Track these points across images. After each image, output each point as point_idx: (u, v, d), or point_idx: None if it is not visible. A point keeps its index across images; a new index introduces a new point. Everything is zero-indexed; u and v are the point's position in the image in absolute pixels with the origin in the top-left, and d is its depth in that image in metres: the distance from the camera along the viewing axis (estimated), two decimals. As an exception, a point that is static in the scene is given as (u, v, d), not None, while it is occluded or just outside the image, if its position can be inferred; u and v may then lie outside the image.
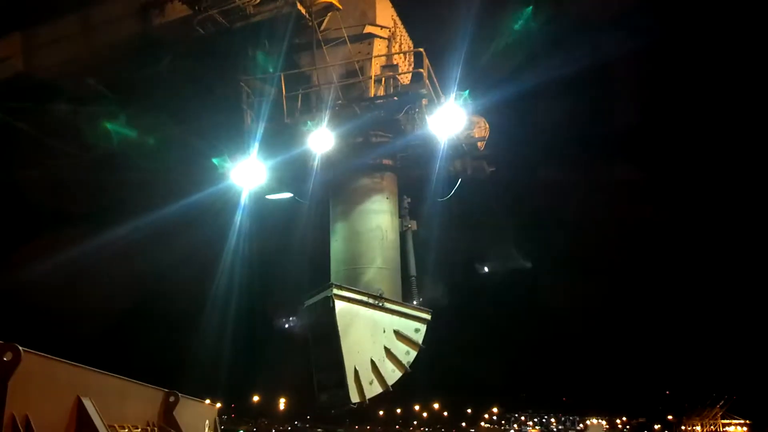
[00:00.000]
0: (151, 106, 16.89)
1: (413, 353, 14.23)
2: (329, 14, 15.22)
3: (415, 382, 14.06)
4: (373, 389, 13.78)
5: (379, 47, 15.41)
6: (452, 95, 14.29)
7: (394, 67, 15.40)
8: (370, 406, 14.06)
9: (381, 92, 15.03)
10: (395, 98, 14.65)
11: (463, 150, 15.88)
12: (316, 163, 15.04)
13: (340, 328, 13.64)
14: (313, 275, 16.17)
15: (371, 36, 15.40)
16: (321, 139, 14.60)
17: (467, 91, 14.15)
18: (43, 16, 16.49)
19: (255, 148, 15.11)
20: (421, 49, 14.75)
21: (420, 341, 14.32)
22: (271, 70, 15.33)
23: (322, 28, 15.33)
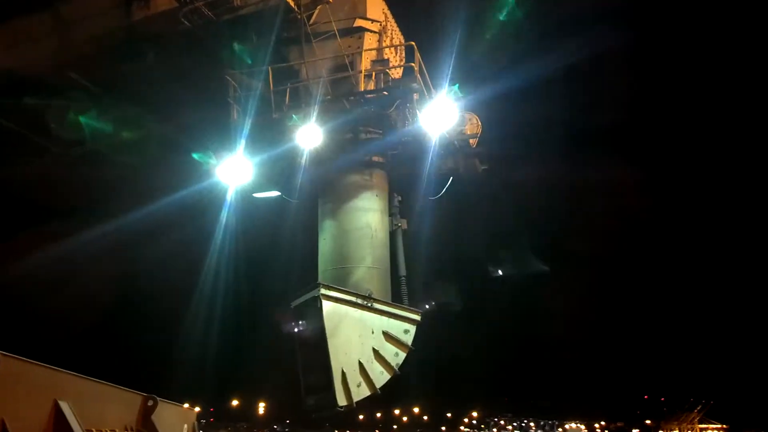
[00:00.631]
0: (135, 101, 16.47)
1: (402, 355, 13.91)
2: (319, 7, 14.86)
3: (397, 386, 13.69)
4: (361, 392, 13.46)
5: (369, 41, 15.08)
6: (444, 89, 13.94)
7: (384, 62, 15.05)
8: (351, 409, 13.71)
9: (371, 87, 14.69)
10: (386, 92, 14.27)
11: (454, 147, 15.57)
12: (304, 159, 14.69)
13: (327, 329, 13.31)
14: (301, 275, 15.84)
15: (361, 30, 15.06)
16: (309, 135, 14.25)
17: (456, 85, 13.81)
18: (24, 8, 16.02)
19: (241, 144, 14.71)
20: (412, 43, 14.43)
21: (409, 342, 14.02)
22: (258, 65, 14.92)
23: (311, 21, 14.97)
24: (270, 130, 14.80)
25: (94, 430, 7.13)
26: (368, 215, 14.91)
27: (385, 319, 13.98)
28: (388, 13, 15.82)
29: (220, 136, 15.06)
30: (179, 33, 15.04)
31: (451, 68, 14.05)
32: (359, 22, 15.04)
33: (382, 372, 13.66)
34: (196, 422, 11.29)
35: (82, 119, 16.47)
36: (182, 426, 10.37)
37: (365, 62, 14.87)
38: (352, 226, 14.80)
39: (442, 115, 14.05)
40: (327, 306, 13.45)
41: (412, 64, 14.08)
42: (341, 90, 14.69)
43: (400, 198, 15.88)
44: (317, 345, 13.48)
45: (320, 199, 15.44)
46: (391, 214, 15.53)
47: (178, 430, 10.15)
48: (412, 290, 15.07)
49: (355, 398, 13.30)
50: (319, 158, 14.84)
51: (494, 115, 16.23)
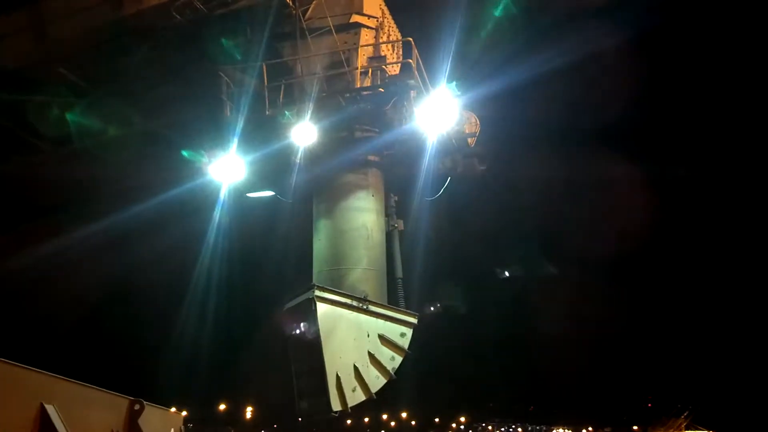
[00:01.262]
0: (126, 98, 16.07)
1: (399, 359, 13.55)
2: (314, 2, 14.57)
3: (385, 390, 13.34)
4: (356, 397, 13.10)
5: (366, 37, 14.75)
6: (442, 86, 13.59)
7: (381, 59, 14.72)
8: (345, 414, 13.36)
9: (367, 84, 14.35)
10: (381, 89, 13.93)
11: (452, 146, 15.23)
12: (298, 158, 14.35)
13: (321, 332, 12.94)
14: (295, 276, 15.46)
15: (358, 26, 14.73)
16: (304, 133, 13.92)
17: (454, 82, 13.45)
18: (10, 1, 15.65)
19: (234, 141, 14.37)
20: (410, 39, 14.09)
21: (406, 346, 13.67)
22: (252, 61, 14.59)
23: (307, 16, 14.67)
24: (263, 128, 14.45)
25: (80, 433, 7.32)
26: (364, 215, 14.56)
27: (381, 322, 13.62)
28: (386, 9, 15.51)
29: (213, 133, 14.71)
30: (171, 28, 14.74)
31: (449, 65, 13.69)
32: (355, 18, 14.72)
33: (378, 376, 13.30)
34: (183, 426, 11.09)
35: (70, 116, 16.10)
36: (169, 430, 10.17)
37: (361, 59, 14.54)
38: (348, 226, 14.45)
39: (440, 113, 13.71)
40: (322, 308, 13.09)
41: (410, 61, 13.75)
42: (337, 87, 14.37)
43: (396, 198, 15.57)
44: (311, 348, 13.12)
45: (315, 199, 15.09)
46: (387, 215, 15.22)
47: (165, 435, 9.97)
48: (408, 293, 14.74)
49: (350, 403, 12.95)
50: (313, 157, 14.51)
51: (493, 114, 15.92)
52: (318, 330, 12.91)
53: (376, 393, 13.28)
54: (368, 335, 13.42)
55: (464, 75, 14.36)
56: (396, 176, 15.44)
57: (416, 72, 13.75)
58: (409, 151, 14.86)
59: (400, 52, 15.52)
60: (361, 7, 14.74)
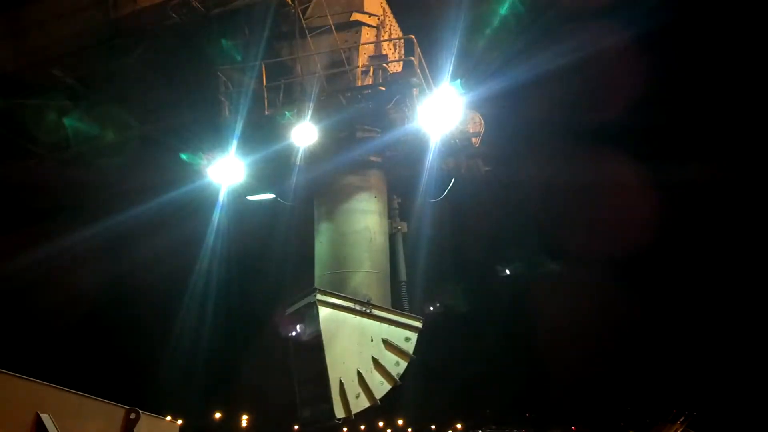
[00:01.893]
0: (122, 100, 15.82)
1: (403, 364, 13.23)
2: (314, 0, 14.26)
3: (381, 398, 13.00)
4: (360, 403, 12.76)
5: (366, 36, 14.46)
6: (445, 84, 13.28)
7: (382, 57, 14.42)
8: (349, 421, 13.01)
9: (369, 83, 14.05)
10: (382, 88, 13.64)
11: (456, 146, 14.93)
12: (298, 159, 14.04)
13: (324, 337, 12.61)
14: (296, 280, 15.14)
15: (358, 24, 14.44)
16: (304, 134, 13.62)
17: (459, 80, 13.14)
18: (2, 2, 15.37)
19: (233, 143, 14.08)
20: (412, 36, 13.80)
21: (411, 351, 13.34)
22: (250, 60, 14.30)
23: (306, 15, 14.38)
24: (263, 129, 14.15)
25: (76, 443, 6.98)
26: (366, 218, 14.25)
27: (384, 326, 13.29)
28: (387, 7, 15.22)
29: (211, 135, 14.42)
30: (167, 28, 14.47)
31: (452, 63, 13.39)
32: (356, 16, 14.42)
33: (382, 382, 12.98)
34: (178, 435, 10.91)
35: (65, 119, 15.82)
36: (165, 440, 10.00)
37: (362, 57, 14.25)
38: (350, 228, 14.14)
39: (443, 111, 13.40)
40: (324, 312, 12.77)
41: (412, 58, 13.45)
42: (337, 86, 14.06)
43: (399, 200, 15.28)
44: (313, 354, 12.77)
45: (316, 201, 14.79)
46: (390, 217, 14.91)
47: (161, 444, 9.78)
48: (412, 296, 14.41)
49: (354, 410, 12.61)
50: (314, 158, 14.20)
51: (497, 113, 15.61)
52: (320, 335, 12.59)
53: (380, 399, 12.93)
54: (372, 340, 13.11)
55: (467, 74, 14.12)
56: (398, 177, 15.14)
57: (418, 70, 13.45)
58: (411, 152, 14.57)
59: (402, 52, 15.22)
60: (362, 5, 14.45)
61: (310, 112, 13.57)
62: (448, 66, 13.55)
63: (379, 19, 14.76)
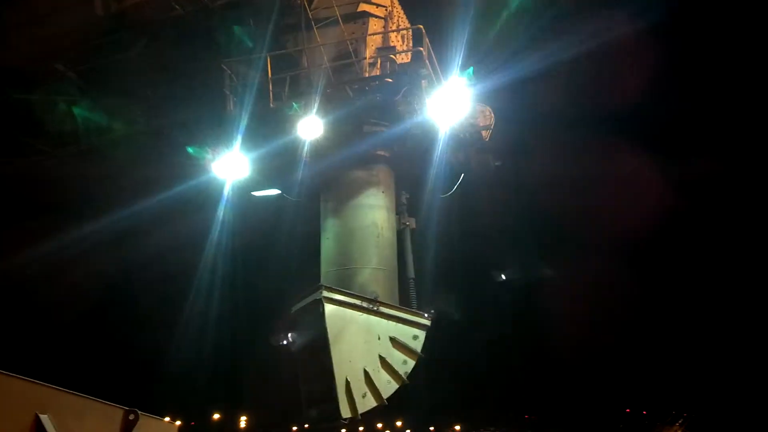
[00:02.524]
0: (125, 94, 15.55)
1: (411, 363, 12.90)
2: (320, -10, 13.97)
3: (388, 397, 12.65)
4: (367, 403, 12.43)
5: (374, 27, 14.16)
6: (455, 74, 12.93)
7: (390, 49, 14.11)
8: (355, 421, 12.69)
9: (376, 74, 13.73)
10: (390, 80, 13.33)
11: (465, 140, 14.57)
12: (304, 153, 13.74)
13: (330, 335, 12.29)
14: (302, 278, 14.82)
15: (366, 15, 14.16)
16: (310, 127, 13.33)
17: (471, 69, 12.77)
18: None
19: (238, 137, 13.79)
20: (421, 26, 13.47)
21: (419, 349, 13.00)
22: (256, 53, 14.01)
23: (312, 6, 14.13)
24: (268, 123, 13.87)
25: (75, 444, 7.19)
26: (374, 213, 13.94)
27: (392, 324, 12.97)
28: (395, -3, 14.90)
29: (216, 129, 14.14)
30: (171, 20, 14.22)
31: (462, 55, 13.04)
32: (363, 7, 14.14)
33: (390, 381, 12.65)
34: (177, 436, 10.68)
35: (68, 114, 15.57)
36: (163, 440, 9.81)
37: (370, 49, 13.94)
38: (357, 224, 13.84)
39: (452, 103, 13.07)
40: (330, 310, 12.45)
41: (421, 49, 13.12)
42: (344, 79, 13.76)
43: (407, 196, 14.95)
44: (319, 352, 12.47)
45: (322, 197, 14.49)
46: (398, 213, 14.61)
47: (159, 445, 9.70)
48: (421, 293, 14.08)
49: (361, 409, 12.30)
50: (320, 152, 13.93)
51: (508, 106, 15.24)
52: (326, 333, 12.28)
53: (387, 399, 12.60)
54: (379, 338, 12.80)
55: (477, 65, 13.71)
56: (407, 172, 14.84)
57: (427, 60, 13.12)
58: (420, 146, 14.26)
59: (411, 43, 14.89)
60: (369, -4, 14.16)
61: (316, 105, 13.28)
62: (457, 58, 13.20)
63: (386, 10, 14.48)
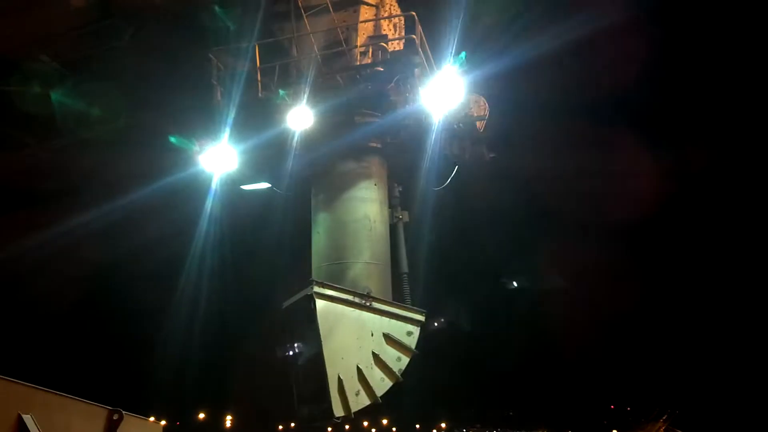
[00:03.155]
0: (111, 84, 15.16)
1: (405, 359, 12.57)
2: (310, -23, 13.58)
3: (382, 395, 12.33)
4: (360, 401, 12.13)
5: (365, 15, 13.83)
6: (448, 62, 12.57)
7: (382, 37, 13.76)
8: (349, 419, 12.36)
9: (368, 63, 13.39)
10: (381, 68, 13.00)
11: (460, 131, 14.26)
12: (294, 145, 13.39)
13: (321, 332, 12.01)
14: (292, 273, 14.50)
15: (357, 2, 13.82)
16: (300, 118, 12.98)
17: (463, 53, 12.39)
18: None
19: (226, 129, 13.43)
20: (413, 13, 13.12)
21: (413, 346, 12.69)
22: (244, 42, 13.63)
23: (303, -7, 13.69)
24: (257, 114, 13.52)
25: (58, 444, 7.09)
26: (366, 206, 13.62)
27: (385, 320, 12.67)
28: (387, -14, 14.53)
29: (203, 120, 13.77)
30: (158, 8, 13.85)
31: (455, 42, 12.66)
32: (354, -6, 13.77)
33: (383, 378, 12.34)
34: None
35: (52, 106, 15.16)
36: (148, 440, 9.77)
37: (361, 37, 13.60)
38: (349, 217, 13.52)
39: (446, 92, 12.72)
40: (321, 305, 12.16)
41: (413, 36, 12.78)
42: (335, 68, 13.42)
43: (400, 188, 14.63)
44: (311, 349, 12.28)
45: (313, 189, 14.17)
46: (391, 206, 14.28)
47: (144, 445, 9.86)
48: (414, 289, 13.75)
49: (354, 408, 11.99)
50: (310, 144, 13.58)
51: (502, 97, 14.91)
52: (317, 329, 12.00)
53: (381, 397, 12.28)
54: (372, 334, 12.50)
55: (470, 55, 13.35)
56: (400, 164, 14.53)
57: (420, 49, 12.78)
58: (413, 137, 13.95)
59: (403, 32, 14.52)
60: (360, -17, 13.80)
61: (306, 94, 12.93)
62: (451, 46, 12.83)
63: (378, -3, 14.12)
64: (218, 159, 13.70)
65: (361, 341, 12.37)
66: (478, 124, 14.44)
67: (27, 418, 6.53)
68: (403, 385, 12.52)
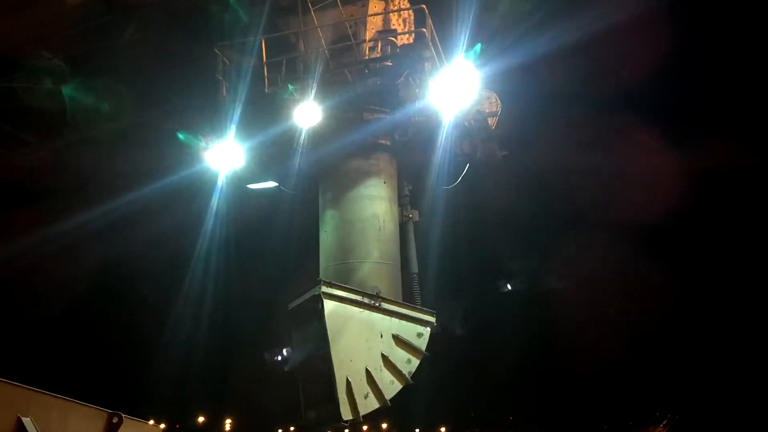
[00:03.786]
0: (115, 81, 14.91)
1: (415, 362, 12.33)
2: (317, -29, 13.30)
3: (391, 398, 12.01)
4: (369, 404, 11.89)
5: (374, 8, 13.58)
6: (459, 57, 12.24)
7: (391, 32, 13.49)
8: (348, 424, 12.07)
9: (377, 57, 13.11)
10: (389, 63, 12.72)
11: (471, 128, 13.94)
12: (302, 142, 13.12)
13: (329, 333, 11.75)
14: (300, 272, 14.22)
15: (366, -4, 13.52)
16: (307, 114, 12.72)
17: (479, 45, 12.06)
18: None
19: (233, 125, 13.17)
20: (423, 6, 12.82)
21: (423, 348, 12.44)
22: (250, 37, 13.37)
23: (310, -13, 13.41)
24: (263, 109, 13.27)
25: (58, 447, 7.11)
26: (375, 204, 13.34)
27: (395, 321, 12.41)
28: (395, -21, 14.25)
29: (209, 117, 13.51)
30: (161, 4, 13.59)
31: (467, 35, 12.33)
32: (363, -12, 13.50)
33: (393, 381, 12.09)
34: (162, 439, 10.52)
35: (54, 103, 14.91)
36: (148, 444, 9.66)
37: (370, 32, 13.33)
38: (357, 216, 13.25)
39: (458, 87, 12.41)
40: (329, 306, 11.89)
41: (424, 30, 12.48)
42: (343, 61, 13.13)
43: (410, 187, 14.37)
44: (318, 351, 11.96)
45: (321, 188, 13.93)
46: (400, 204, 14.02)
47: (144, 448, 9.86)
48: (425, 289, 13.45)
49: (362, 411, 11.75)
50: (318, 141, 13.35)
51: (516, 94, 14.59)
52: (325, 330, 11.75)
53: (390, 400, 11.97)
54: (381, 336, 12.24)
55: (482, 48, 13.02)
56: (409, 162, 14.27)
57: (430, 42, 12.48)
58: (422, 134, 13.71)
59: (413, 24, 14.25)
60: (369, -24, 13.53)
61: (313, 90, 12.65)
62: (462, 40, 12.50)
63: (387, -9, 13.85)
64: (224, 156, 13.48)
65: (370, 343, 12.13)
66: (489, 120, 14.13)
67: (26, 421, 6.55)
68: (410, 387, 12.23)
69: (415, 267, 13.66)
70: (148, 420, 10.63)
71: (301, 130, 12.99)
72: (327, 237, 13.43)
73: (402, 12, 14.19)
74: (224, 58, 13.49)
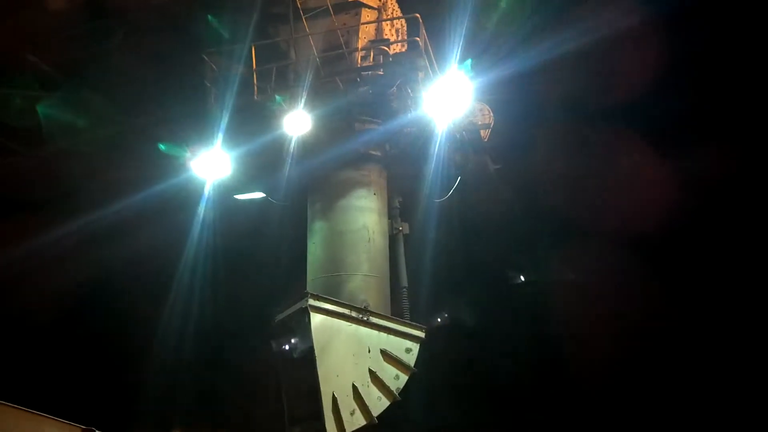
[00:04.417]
0: (101, 88, 14.71)
1: (404, 378, 11.94)
2: (309, -21, 13.13)
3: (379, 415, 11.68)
4: (356, 421, 11.45)
5: (367, 18, 13.37)
6: (452, 67, 12.07)
7: (384, 41, 13.31)
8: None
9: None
10: (380, 72, 12.54)
11: (463, 140, 13.74)
12: (291, 151, 12.87)
13: (316, 347, 11.39)
14: (287, 285, 13.90)
15: (358, 5, 13.39)
16: (297, 123, 12.50)
17: (470, 60, 11.91)
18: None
19: (220, 134, 12.93)
20: (417, 15, 12.65)
21: (412, 363, 12.05)
22: (240, 45, 13.15)
23: (301, -6, 13.24)
24: (252, 118, 13.04)
25: (30, 464, 6.96)
26: (365, 216, 13.07)
27: (383, 335, 12.05)
28: (389, -11, 14.09)
29: (196, 124, 13.27)
30: (151, 8, 13.41)
31: (460, 46, 12.17)
32: (356, -4, 13.33)
33: (380, 397, 11.69)
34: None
35: (40, 110, 14.66)
36: (123, 461, 9.58)
37: (362, 41, 13.16)
38: (346, 228, 12.96)
39: (450, 99, 12.22)
40: (316, 319, 11.54)
41: (417, 39, 12.30)
42: (334, 70, 12.92)
43: (401, 199, 14.08)
44: (304, 365, 11.60)
45: (309, 198, 13.64)
46: (390, 217, 13.73)
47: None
48: (414, 303, 13.16)
49: (348, 428, 11.31)
50: (307, 150, 13.10)
51: (508, 106, 14.39)
52: (312, 344, 11.40)
53: (378, 416, 11.63)
54: (369, 350, 11.88)
55: (474, 61, 12.84)
56: (400, 174, 14.00)
57: (424, 52, 12.30)
58: (414, 145, 13.45)
59: (405, 34, 14.09)
60: (362, -16, 13.37)
61: (303, 98, 12.43)
62: (455, 50, 12.33)
63: (380, 0, 13.67)
64: (211, 165, 13.23)
65: (358, 358, 11.77)
66: (482, 133, 13.93)
67: (-3, 436, 6.51)
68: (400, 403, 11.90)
69: (404, 281, 13.36)
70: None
71: (291, 138, 12.76)
72: (315, 249, 13.14)
73: (395, 22, 14.03)
74: (212, 65, 13.27)
